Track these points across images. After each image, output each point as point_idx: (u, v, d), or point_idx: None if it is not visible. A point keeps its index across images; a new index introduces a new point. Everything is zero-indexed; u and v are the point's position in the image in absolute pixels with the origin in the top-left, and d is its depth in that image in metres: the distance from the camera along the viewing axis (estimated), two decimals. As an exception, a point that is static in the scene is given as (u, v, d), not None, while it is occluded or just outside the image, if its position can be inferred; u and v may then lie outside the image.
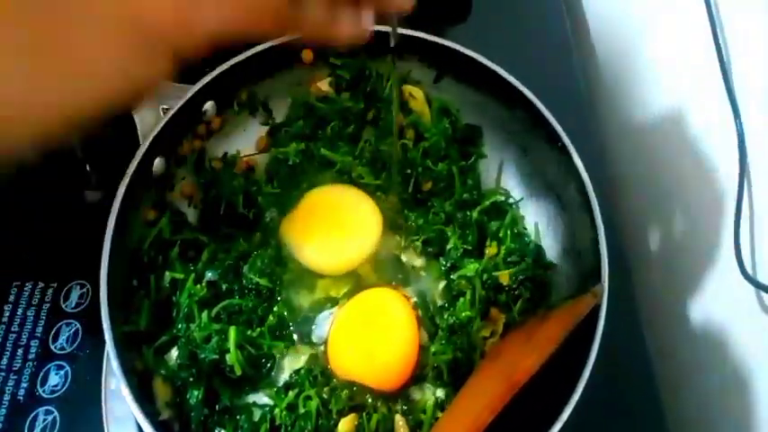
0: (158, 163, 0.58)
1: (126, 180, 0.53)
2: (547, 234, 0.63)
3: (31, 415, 0.58)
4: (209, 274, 0.56)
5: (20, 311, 0.63)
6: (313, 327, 0.58)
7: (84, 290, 0.65)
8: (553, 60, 0.84)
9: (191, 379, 0.50)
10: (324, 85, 0.67)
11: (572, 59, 0.85)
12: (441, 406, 0.54)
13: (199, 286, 0.54)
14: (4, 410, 0.58)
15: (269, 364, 0.54)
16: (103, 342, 0.59)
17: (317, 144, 0.65)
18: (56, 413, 0.58)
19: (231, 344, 0.51)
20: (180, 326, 0.53)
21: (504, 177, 0.66)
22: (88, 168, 0.70)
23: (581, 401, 0.46)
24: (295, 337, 0.57)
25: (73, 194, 0.69)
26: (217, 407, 0.51)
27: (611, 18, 0.88)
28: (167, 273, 0.55)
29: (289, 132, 0.65)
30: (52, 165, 0.70)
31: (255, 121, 0.66)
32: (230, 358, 0.51)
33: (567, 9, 0.89)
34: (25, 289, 0.65)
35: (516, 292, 0.59)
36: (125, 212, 0.52)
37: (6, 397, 0.59)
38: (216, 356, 0.51)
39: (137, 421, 0.55)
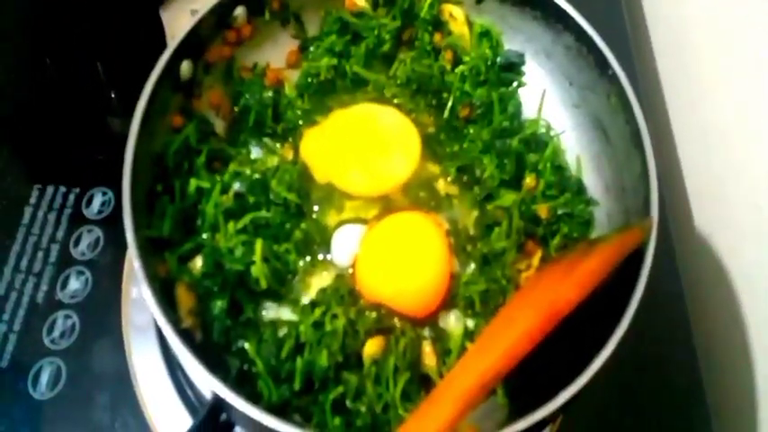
0: (186, 67, 0.56)
1: (152, 80, 0.51)
2: (589, 168, 0.60)
3: (50, 319, 0.58)
4: (236, 185, 0.54)
5: (40, 214, 0.62)
6: (333, 247, 0.56)
7: (107, 197, 0.64)
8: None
9: (215, 288, 0.49)
10: (360, 0, 0.64)
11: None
12: (470, 336, 0.53)
13: (225, 197, 0.53)
14: (22, 312, 0.58)
15: (294, 280, 0.53)
16: (125, 251, 0.58)
17: (349, 61, 0.63)
18: (75, 318, 0.58)
19: (257, 256, 0.50)
20: (205, 235, 0.51)
21: (546, 107, 0.63)
22: (113, 95, 0.69)
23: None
24: (321, 256, 0.55)
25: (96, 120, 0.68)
26: (240, 319, 0.50)
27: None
28: (193, 180, 0.53)
29: (320, 47, 0.63)
30: (76, 90, 0.68)
31: (286, 34, 0.64)
32: (255, 270, 0.49)
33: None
34: (47, 192, 0.64)
35: (554, 227, 0.57)
36: (150, 115, 0.51)
37: (25, 299, 0.58)
38: (241, 268, 0.50)
39: (156, 330, 0.56)
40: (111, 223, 0.62)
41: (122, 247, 0.59)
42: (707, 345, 0.66)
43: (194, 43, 0.55)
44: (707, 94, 0.73)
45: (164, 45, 0.55)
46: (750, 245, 0.63)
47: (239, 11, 0.58)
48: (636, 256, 0.47)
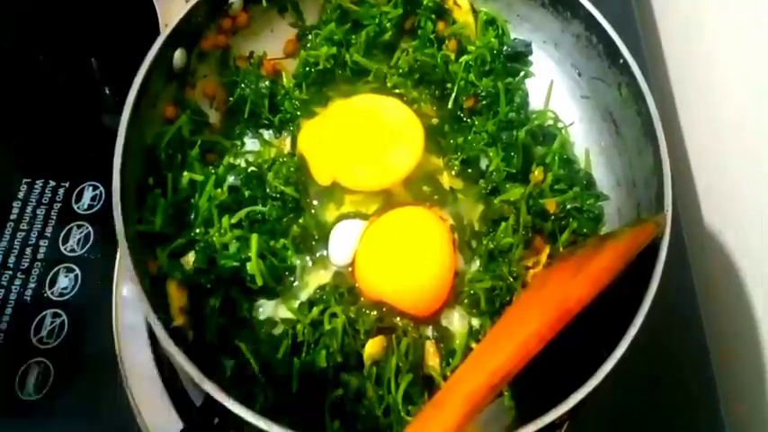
0: (179, 55, 0.54)
1: (143, 69, 0.50)
2: (599, 161, 0.59)
3: (38, 317, 0.56)
4: (231, 179, 0.53)
5: (29, 209, 0.61)
6: (332, 243, 0.54)
7: (98, 192, 0.62)
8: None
9: (208, 285, 0.48)
10: (360, -13, 0.63)
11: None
12: (474, 336, 0.51)
13: (219, 190, 0.51)
14: (9, 311, 0.56)
15: (291, 278, 0.52)
16: (116, 247, 0.56)
17: (349, 50, 0.62)
18: (64, 317, 0.56)
19: (253, 252, 0.48)
20: (198, 230, 0.50)
21: (554, 98, 0.62)
22: (107, 91, 0.68)
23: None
24: (319, 252, 0.54)
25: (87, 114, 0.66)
26: (234, 317, 0.48)
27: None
28: (186, 173, 0.51)
29: (319, 36, 0.62)
30: (69, 85, 0.67)
31: (284, 22, 0.63)
32: (251, 267, 0.48)
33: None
34: (35, 186, 0.62)
35: (563, 222, 0.55)
36: (141, 105, 0.49)
37: (12, 296, 0.57)
38: (236, 264, 0.48)
39: (148, 330, 0.54)
40: (102, 219, 0.60)
41: (113, 243, 0.57)
42: (718, 341, 0.64)
43: (188, 31, 0.54)
44: (717, 88, 0.71)
45: (157, 33, 0.53)
46: (761, 240, 0.62)
47: None
48: (648, 253, 0.45)
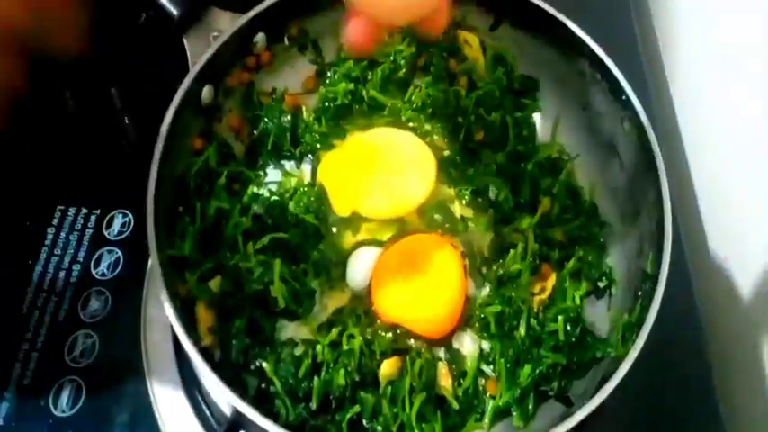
0: (207, 91, 0.57)
1: (174, 104, 0.52)
2: (603, 192, 0.60)
3: (71, 337, 0.58)
4: (254, 207, 0.55)
5: (62, 235, 0.63)
6: (349, 268, 0.56)
7: (127, 219, 0.65)
8: (611, 15, 0.80)
9: (234, 307, 0.50)
10: (376, 27, 0.65)
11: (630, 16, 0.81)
12: (485, 358, 0.53)
13: (244, 218, 0.54)
14: (44, 331, 0.59)
15: (311, 300, 0.53)
16: (144, 271, 0.59)
17: (366, 86, 0.63)
18: (95, 337, 0.58)
19: (275, 276, 0.50)
20: (224, 255, 0.52)
21: (561, 131, 0.64)
22: (127, 121, 0.71)
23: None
24: (337, 277, 0.56)
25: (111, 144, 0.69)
26: (258, 338, 0.50)
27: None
28: (213, 201, 0.54)
29: (338, 72, 0.64)
30: (90, 116, 0.70)
31: (304, 60, 0.65)
32: (274, 290, 0.50)
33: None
34: (69, 213, 0.65)
35: (569, 250, 0.57)
36: (173, 138, 0.52)
37: (47, 318, 0.59)
38: (260, 287, 0.50)
39: (174, 350, 0.56)
40: (131, 244, 0.63)
41: (141, 267, 0.61)
42: (722, 366, 0.65)
43: (215, 68, 0.56)
44: (720, 117, 0.73)
45: (186, 70, 0.56)
46: (765, 268, 0.63)
47: (259, 37, 0.60)
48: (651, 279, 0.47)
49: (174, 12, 0.58)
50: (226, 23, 0.58)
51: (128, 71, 0.73)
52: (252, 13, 0.57)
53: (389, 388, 0.49)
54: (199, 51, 0.57)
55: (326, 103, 0.62)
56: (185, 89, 0.53)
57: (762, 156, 0.65)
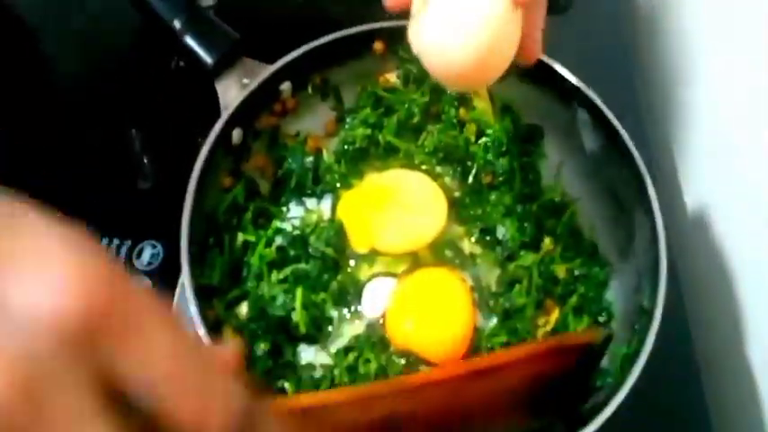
0: (237, 134, 0.61)
1: (207, 145, 0.56)
2: (603, 232, 0.63)
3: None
4: (278, 240, 0.59)
5: (96, 264, 0.66)
6: (365, 298, 0.59)
7: (156, 250, 0.67)
8: (612, 65, 0.84)
9: (259, 332, 0.53)
10: (392, 77, 0.69)
11: (631, 65, 0.85)
12: (491, 386, 0.55)
13: (269, 250, 0.57)
14: (78, 357, 0.61)
15: (330, 327, 0.56)
16: (172, 299, 0.62)
17: (382, 131, 0.67)
18: (126, 361, 0.61)
19: (298, 303, 0.54)
20: (250, 283, 0.56)
21: (563, 175, 0.67)
22: (145, 161, 0.74)
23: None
24: (354, 306, 0.59)
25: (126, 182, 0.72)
26: (279, 361, 0.54)
27: (671, 31, 0.88)
28: (240, 234, 0.57)
29: (356, 118, 0.68)
30: (109, 156, 0.74)
31: (326, 106, 0.69)
32: (296, 316, 0.53)
33: (632, 15, 0.89)
34: (101, 244, 0.68)
35: (572, 287, 0.60)
36: (205, 176, 0.56)
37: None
38: (283, 313, 0.54)
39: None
40: (160, 274, 0.66)
41: (170, 296, 0.64)
42: (718, 401, 0.66)
43: (245, 113, 0.60)
44: (723, 163, 0.75)
45: (218, 114, 0.60)
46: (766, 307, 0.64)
47: (285, 85, 0.64)
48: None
49: (209, 60, 0.63)
50: (255, 72, 0.62)
51: (153, 115, 0.77)
52: (279, 64, 0.61)
53: (402, 412, 0.52)
54: (230, 97, 0.61)
55: (346, 146, 0.66)
56: (218, 131, 0.57)
57: (760, 192, 0.66)
